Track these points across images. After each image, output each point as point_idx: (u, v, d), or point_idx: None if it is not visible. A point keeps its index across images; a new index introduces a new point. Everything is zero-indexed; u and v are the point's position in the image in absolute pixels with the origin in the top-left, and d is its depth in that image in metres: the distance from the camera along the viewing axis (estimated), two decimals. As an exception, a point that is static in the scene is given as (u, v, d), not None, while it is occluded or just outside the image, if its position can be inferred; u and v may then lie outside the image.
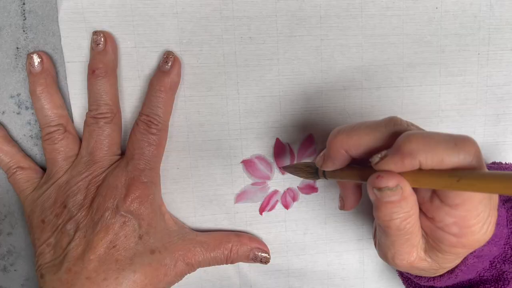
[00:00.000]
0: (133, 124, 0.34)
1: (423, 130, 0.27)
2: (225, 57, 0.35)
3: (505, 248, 0.32)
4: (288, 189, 0.38)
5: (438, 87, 0.37)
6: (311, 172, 0.32)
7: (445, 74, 0.37)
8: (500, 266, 0.32)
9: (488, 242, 0.30)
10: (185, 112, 0.35)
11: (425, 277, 0.33)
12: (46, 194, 0.33)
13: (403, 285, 0.39)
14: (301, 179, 0.38)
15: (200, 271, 0.38)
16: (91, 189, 0.33)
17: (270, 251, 0.38)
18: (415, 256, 0.28)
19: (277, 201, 0.38)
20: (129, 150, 0.34)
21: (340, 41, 0.36)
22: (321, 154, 0.30)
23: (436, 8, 0.36)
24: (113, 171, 0.33)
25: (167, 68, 0.33)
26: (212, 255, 0.35)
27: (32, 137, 0.35)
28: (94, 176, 0.33)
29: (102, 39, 0.33)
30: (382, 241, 0.29)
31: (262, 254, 0.37)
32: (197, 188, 0.37)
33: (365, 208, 0.38)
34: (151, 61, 0.34)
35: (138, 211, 0.33)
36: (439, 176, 0.24)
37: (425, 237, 0.28)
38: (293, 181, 0.38)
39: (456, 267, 0.30)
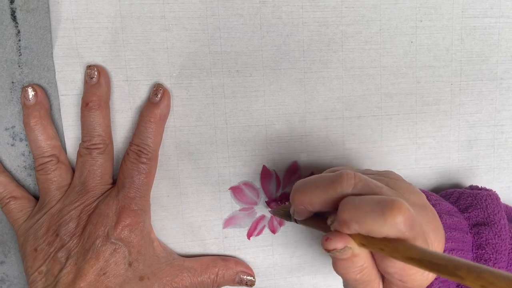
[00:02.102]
0: (124, 154, 0.35)
1: (371, 185, 0.27)
2: (213, 89, 0.37)
3: None
4: (274, 214, 0.39)
5: (415, 115, 0.40)
6: (289, 216, 0.34)
7: (421, 103, 0.39)
8: None
9: None
10: (175, 141, 0.37)
11: None
12: (38, 223, 0.34)
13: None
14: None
15: (190, 295, 0.39)
16: (83, 217, 0.34)
17: (256, 274, 0.39)
18: None
19: (264, 226, 0.39)
20: (120, 179, 0.35)
21: (322, 73, 0.38)
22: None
23: (411, 42, 0.38)
24: (104, 199, 0.34)
25: (156, 100, 0.35)
26: (199, 279, 0.37)
27: (25, 168, 0.36)
28: (86, 205, 0.34)
29: (96, 72, 0.34)
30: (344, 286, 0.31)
31: (248, 278, 0.38)
32: (187, 215, 0.38)
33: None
34: (142, 94, 0.36)
35: (129, 239, 0.34)
36: (372, 243, 0.25)
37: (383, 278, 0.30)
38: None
39: None
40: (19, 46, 0.34)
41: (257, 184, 0.39)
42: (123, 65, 0.35)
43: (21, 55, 0.34)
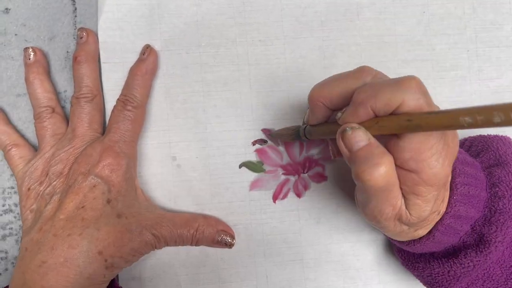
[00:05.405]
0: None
1: (390, 78, 0.29)
2: (238, 57, 0.40)
3: (484, 211, 0.32)
4: (299, 177, 0.40)
5: (432, 80, 0.41)
6: (293, 134, 0.36)
7: (437, 69, 0.41)
8: (480, 229, 0.32)
9: (465, 203, 0.31)
10: (203, 105, 0.40)
11: (406, 241, 0.33)
12: (33, 166, 0.37)
13: (418, 279, 0.40)
14: (311, 169, 0.40)
15: (217, 258, 0.39)
16: (71, 159, 0.37)
17: (284, 241, 0.39)
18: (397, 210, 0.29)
19: (289, 189, 0.40)
20: (108, 126, 0.38)
21: (340, 41, 0.40)
22: (308, 111, 0.33)
23: (424, 12, 0.41)
24: (91, 143, 0.37)
25: (144, 57, 0.39)
26: (178, 232, 0.37)
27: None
28: (75, 149, 0.37)
29: (85, 33, 0.38)
30: (361, 198, 0.30)
31: (227, 238, 0.38)
32: (214, 176, 0.40)
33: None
34: (175, 62, 0.40)
35: (109, 178, 0.35)
36: (394, 119, 0.26)
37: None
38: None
39: (433, 227, 0.31)
40: (75, 21, 0.40)
41: (281, 147, 0.40)
42: (158, 36, 0.40)
43: (76, 28, 0.40)
